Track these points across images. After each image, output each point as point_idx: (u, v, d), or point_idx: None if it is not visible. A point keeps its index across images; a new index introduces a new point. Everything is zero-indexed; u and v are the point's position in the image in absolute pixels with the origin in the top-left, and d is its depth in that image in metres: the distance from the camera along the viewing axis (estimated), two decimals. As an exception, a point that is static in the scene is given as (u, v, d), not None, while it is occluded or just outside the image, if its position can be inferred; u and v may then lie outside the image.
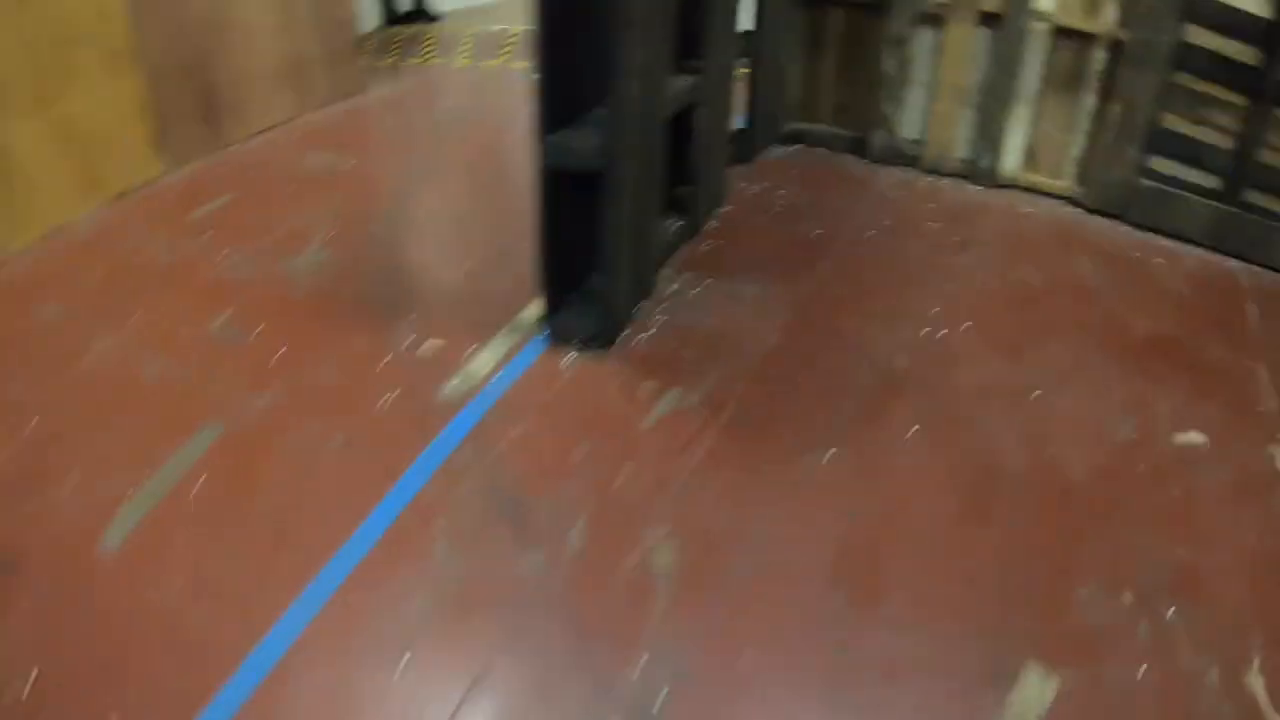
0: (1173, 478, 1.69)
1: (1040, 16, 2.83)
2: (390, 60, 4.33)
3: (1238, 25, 2.74)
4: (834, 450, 1.62)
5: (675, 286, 2.14)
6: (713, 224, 2.45)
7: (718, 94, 2.37)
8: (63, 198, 2.54)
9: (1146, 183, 2.89)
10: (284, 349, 1.85)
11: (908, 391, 1.83)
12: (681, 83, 2.16)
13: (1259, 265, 2.91)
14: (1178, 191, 2.91)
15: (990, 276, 2.39)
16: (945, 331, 2.05)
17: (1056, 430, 1.77)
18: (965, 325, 2.09)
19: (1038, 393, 1.87)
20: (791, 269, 2.25)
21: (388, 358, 1.84)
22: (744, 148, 2.91)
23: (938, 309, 2.14)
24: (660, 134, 2.01)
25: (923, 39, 2.98)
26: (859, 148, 3.13)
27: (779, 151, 3.18)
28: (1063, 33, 2.86)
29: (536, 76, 1.71)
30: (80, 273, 2.22)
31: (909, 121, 3.12)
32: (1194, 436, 1.84)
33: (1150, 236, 2.89)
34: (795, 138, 3.21)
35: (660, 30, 1.89)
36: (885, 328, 2.04)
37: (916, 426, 1.70)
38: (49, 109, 2.49)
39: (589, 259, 1.92)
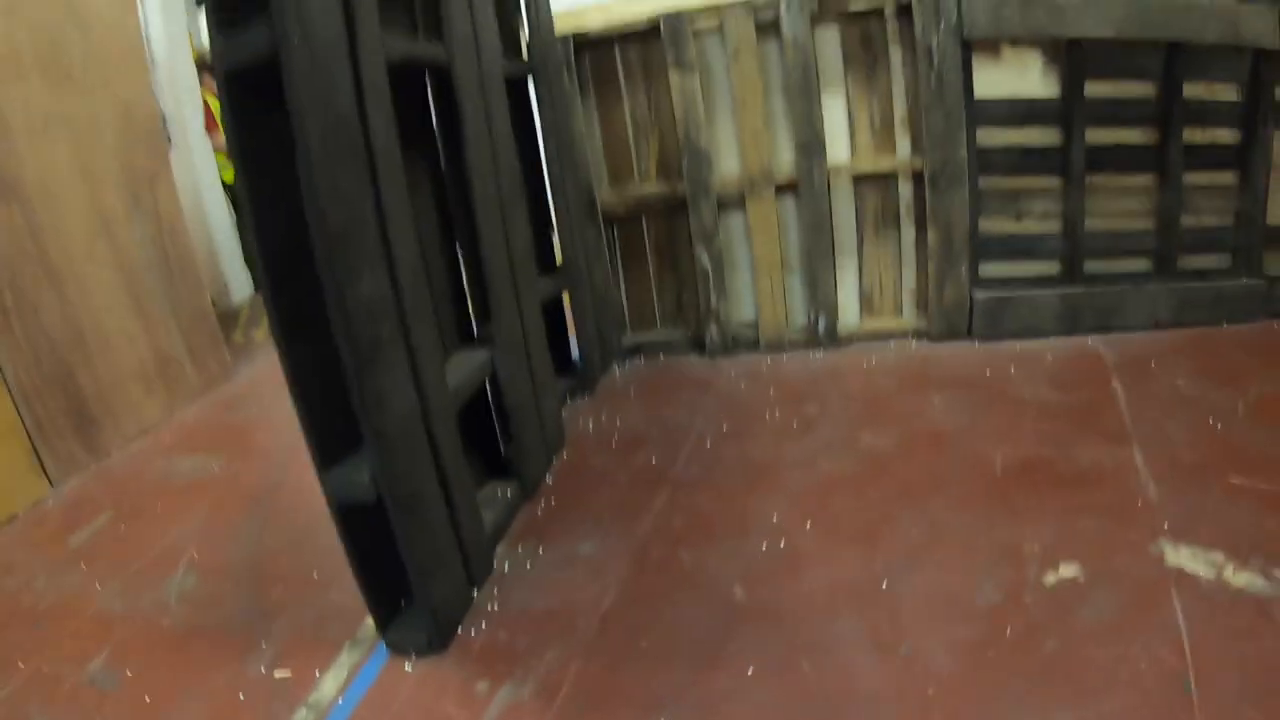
0: (1047, 630, 1.55)
1: (835, 172, 2.94)
2: (262, 332, 4.38)
3: (1029, 112, 2.87)
4: (666, 714, 1.49)
5: (510, 563, 2.06)
6: (549, 479, 2.42)
7: (524, 349, 2.39)
8: None
9: (983, 295, 2.91)
10: (149, 695, 1.77)
11: (748, 623, 1.70)
12: (473, 359, 2.16)
13: (1119, 330, 2.91)
14: (1019, 293, 2.93)
15: (835, 456, 2.31)
16: (784, 541, 1.95)
17: (911, 620, 1.63)
18: (808, 525, 1.99)
19: (888, 581, 1.76)
20: (629, 512, 2.16)
21: (242, 694, 1.74)
22: (584, 378, 2.93)
23: (778, 516, 2.04)
24: (452, 425, 1.99)
25: (732, 224, 3.08)
26: (699, 345, 3.16)
27: (620, 370, 3.19)
28: (863, 178, 2.97)
29: (296, 407, 1.72)
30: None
31: (741, 306, 3.16)
32: (1067, 570, 1.71)
33: (1005, 345, 2.87)
34: (635, 350, 3.24)
35: (424, 325, 1.88)
36: (725, 555, 1.93)
37: (752, 668, 1.57)
38: None
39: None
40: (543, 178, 2.78)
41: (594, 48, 2.93)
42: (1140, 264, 2.98)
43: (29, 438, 2.90)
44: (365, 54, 1.61)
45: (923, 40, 2.70)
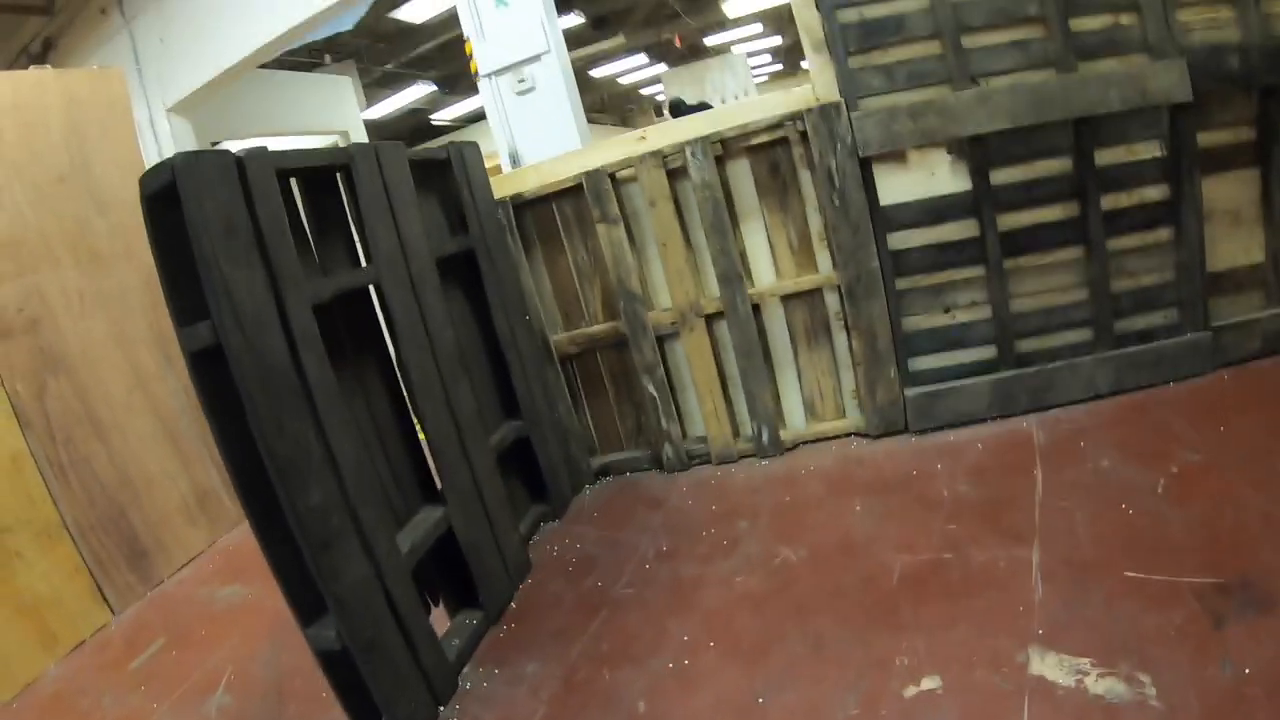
0: (896, 748, 1.72)
1: (761, 295, 3.16)
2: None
3: (941, 210, 3.01)
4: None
5: (471, 682, 2.33)
6: (513, 604, 2.70)
7: (480, 499, 2.69)
8: (29, 659, 3.08)
9: (914, 391, 3.05)
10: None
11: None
12: (430, 517, 2.49)
13: (1058, 406, 2.98)
14: (951, 384, 3.05)
15: (751, 572, 2.48)
16: (688, 660, 2.16)
17: (774, 739, 1.83)
18: (711, 644, 2.20)
19: (764, 698, 1.95)
20: (569, 635, 2.41)
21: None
22: (553, 505, 3.21)
23: (688, 635, 2.25)
24: (407, 580, 2.32)
25: (678, 350, 3.33)
26: (659, 463, 3.38)
27: (591, 490, 3.44)
28: (790, 296, 3.17)
29: (277, 580, 2.07)
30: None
31: (694, 424, 3.39)
32: (929, 682, 1.84)
33: (939, 437, 2.99)
34: (603, 471, 3.48)
35: (372, 508, 2.20)
36: (637, 673, 2.14)
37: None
38: (2, 588, 3.08)
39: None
40: (498, 334, 3.13)
41: (533, 206, 3.28)
42: (1079, 335, 3.05)
43: (90, 573, 3.44)
44: (294, 315, 2.02)
45: (821, 164, 2.91)
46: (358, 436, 2.26)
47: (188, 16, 4.94)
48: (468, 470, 2.66)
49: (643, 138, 3.08)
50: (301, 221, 2.34)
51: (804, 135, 2.95)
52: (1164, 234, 3.03)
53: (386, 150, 2.60)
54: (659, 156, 3.04)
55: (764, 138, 2.99)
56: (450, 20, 7.24)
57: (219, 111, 5.49)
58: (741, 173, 3.07)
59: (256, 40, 4.72)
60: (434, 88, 10.48)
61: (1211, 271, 3.04)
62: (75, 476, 3.56)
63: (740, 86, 10.33)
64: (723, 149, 3.01)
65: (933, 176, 2.99)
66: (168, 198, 1.91)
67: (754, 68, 13.57)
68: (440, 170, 2.95)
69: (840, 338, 3.13)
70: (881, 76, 2.95)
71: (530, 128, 4.09)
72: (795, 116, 2.92)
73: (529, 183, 3.22)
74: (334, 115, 7.93)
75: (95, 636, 3.32)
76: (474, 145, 3.06)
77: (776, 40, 12.92)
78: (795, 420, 3.27)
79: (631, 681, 2.15)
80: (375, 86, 9.15)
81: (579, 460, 3.43)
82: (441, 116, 12.61)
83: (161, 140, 5.01)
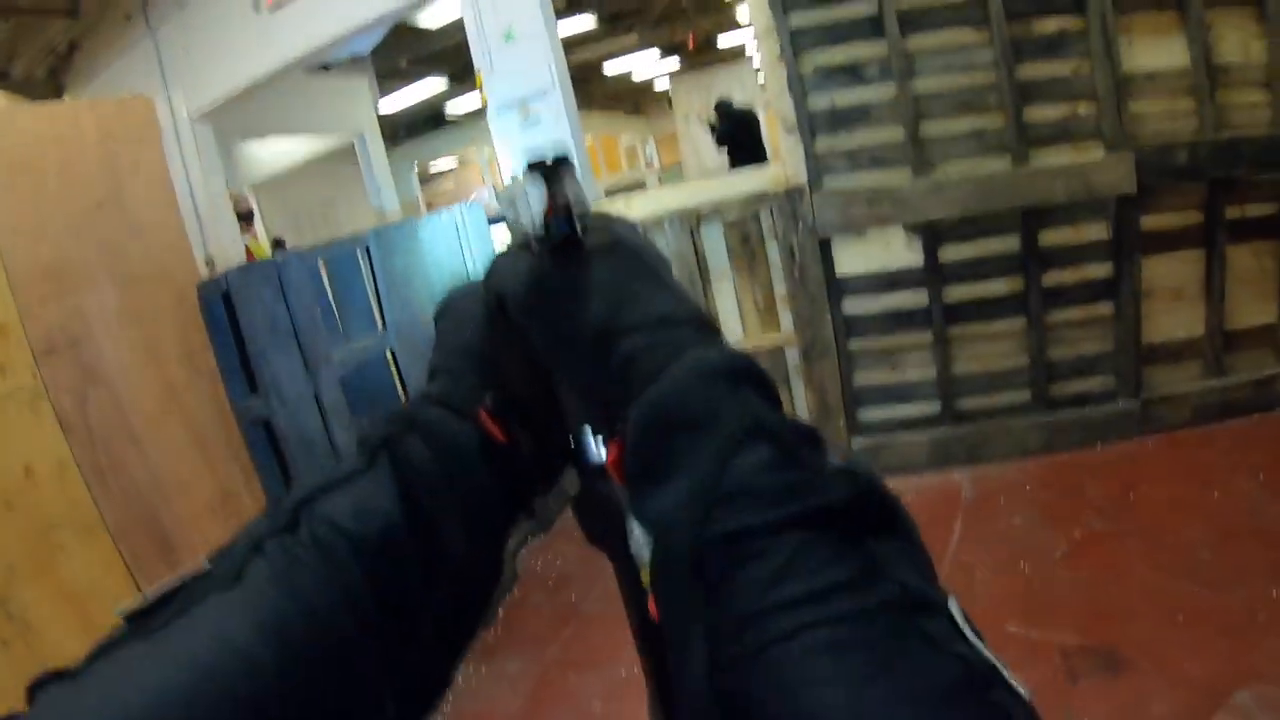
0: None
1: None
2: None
3: (894, 280, 3.32)
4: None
5: (463, 677, 2.80)
6: (500, 612, 3.14)
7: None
8: (69, 638, 3.51)
9: (860, 441, 3.40)
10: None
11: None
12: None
13: (991, 461, 3.30)
14: (893, 436, 3.39)
15: None
16: (636, 669, 2.59)
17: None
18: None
19: None
20: (545, 640, 2.84)
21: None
22: (540, 521, 3.62)
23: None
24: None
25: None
26: None
27: (570, 511, 3.87)
28: (755, 351, 3.49)
29: None
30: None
31: None
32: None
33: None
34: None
35: None
36: (598, 678, 2.55)
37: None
38: (48, 577, 3.58)
39: None
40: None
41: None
42: (1017, 396, 3.37)
43: (127, 567, 3.95)
44: (324, 391, 2.47)
45: (784, 240, 3.25)
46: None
47: (212, 30, 5.25)
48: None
49: (625, 204, 3.43)
50: (328, 295, 2.78)
51: (771, 211, 3.28)
52: (1104, 308, 3.32)
53: (397, 231, 3.01)
54: (641, 225, 3.40)
55: (735, 214, 3.32)
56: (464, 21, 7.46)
57: (237, 112, 5.86)
58: (715, 237, 3.41)
59: (281, 58, 5.02)
60: (446, 83, 10.67)
61: (1149, 343, 3.33)
62: (114, 480, 4.04)
63: (748, 96, 10.47)
64: (695, 221, 3.35)
65: (887, 249, 3.31)
66: (225, 302, 2.34)
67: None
68: (449, 229, 3.35)
69: (799, 389, 3.49)
70: (845, 159, 3.27)
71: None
72: (764, 197, 3.25)
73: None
74: (348, 116, 8.23)
75: (127, 622, 3.86)
76: (476, 206, 3.45)
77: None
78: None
79: (592, 685, 2.57)
80: (388, 79, 9.43)
81: (564, 483, 3.82)
82: (454, 109, 12.80)
83: (184, 145, 5.42)
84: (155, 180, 4.81)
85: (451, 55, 8.43)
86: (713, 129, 8.57)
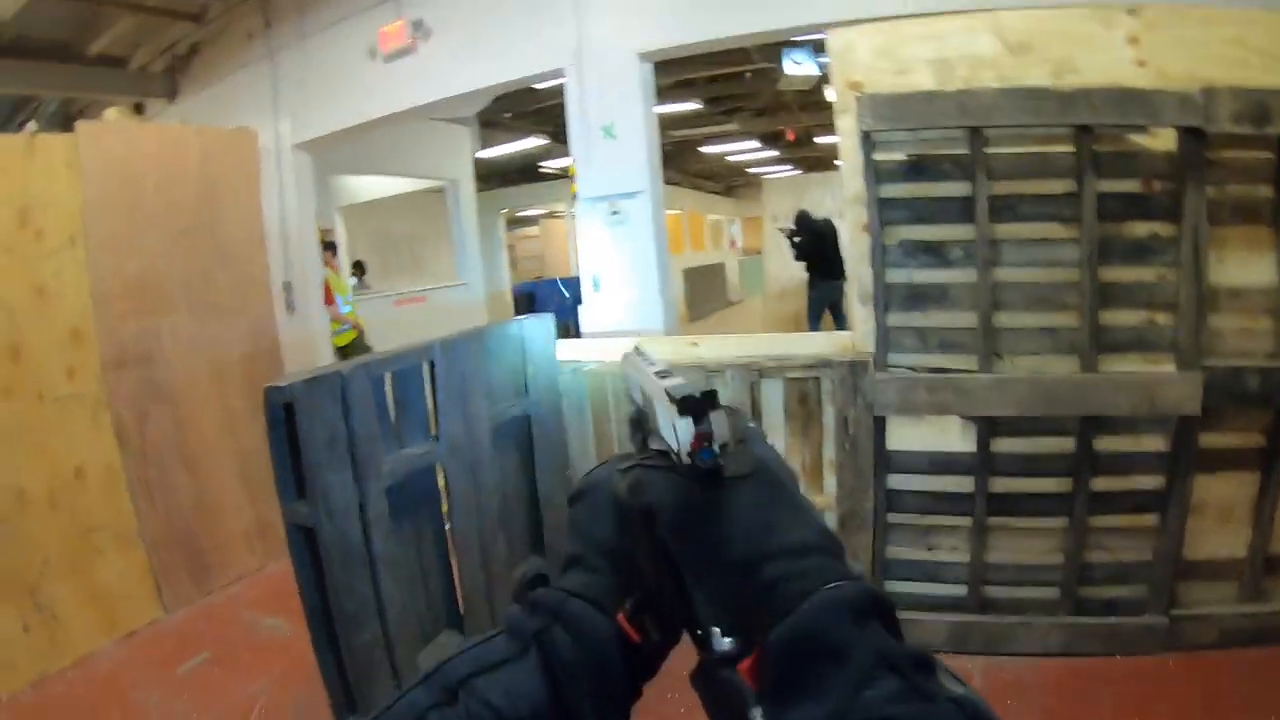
0: None
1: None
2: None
3: (943, 464, 3.33)
4: None
5: None
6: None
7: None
8: (89, 635, 3.80)
9: (883, 612, 3.44)
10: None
11: None
12: (448, 642, 3.09)
13: (1005, 655, 3.33)
14: (915, 615, 3.38)
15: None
16: None
17: None
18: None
19: None
20: None
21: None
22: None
23: None
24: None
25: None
26: None
27: None
28: None
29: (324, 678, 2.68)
30: None
31: None
32: None
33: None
34: None
35: (408, 633, 2.82)
36: None
37: None
38: (80, 577, 3.82)
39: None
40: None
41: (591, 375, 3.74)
42: (1045, 593, 3.37)
43: (155, 578, 4.15)
44: (370, 502, 2.58)
45: (840, 413, 3.28)
46: (406, 585, 2.82)
47: (328, 66, 5.40)
48: (489, 609, 3.21)
49: (695, 344, 3.48)
50: (389, 407, 2.88)
51: (833, 379, 3.31)
52: (1149, 519, 3.30)
53: (463, 346, 3.09)
54: (702, 367, 3.45)
55: (798, 373, 3.36)
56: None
57: (339, 147, 5.98)
58: (774, 393, 3.46)
59: (387, 106, 5.17)
60: (547, 140, 10.84)
61: (1189, 559, 3.30)
62: (159, 495, 4.24)
63: (838, 207, 10.42)
64: (758, 375, 3.39)
65: (942, 434, 3.31)
66: (287, 409, 2.45)
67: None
68: (512, 340, 3.42)
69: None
70: (914, 336, 3.28)
71: (615, 257, 4.47)
72: (828, 362, 3.28)
73: (591, 357, 3.67)
74: (446, 164, 8.38)
75: (148, 628, 4.03)
76: (543, 319, 3.51)
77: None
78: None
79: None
80: (490, 129, 9.53)
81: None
82: (549, 165, 12.93)
83: (284, 170, 5.56)
84: (248, 213, 4.96)
85: (554, 114, 8.50)
86: (791, 241, 8.61)
